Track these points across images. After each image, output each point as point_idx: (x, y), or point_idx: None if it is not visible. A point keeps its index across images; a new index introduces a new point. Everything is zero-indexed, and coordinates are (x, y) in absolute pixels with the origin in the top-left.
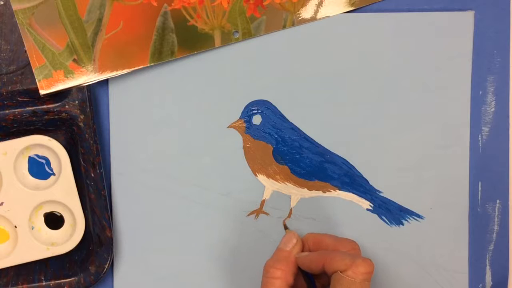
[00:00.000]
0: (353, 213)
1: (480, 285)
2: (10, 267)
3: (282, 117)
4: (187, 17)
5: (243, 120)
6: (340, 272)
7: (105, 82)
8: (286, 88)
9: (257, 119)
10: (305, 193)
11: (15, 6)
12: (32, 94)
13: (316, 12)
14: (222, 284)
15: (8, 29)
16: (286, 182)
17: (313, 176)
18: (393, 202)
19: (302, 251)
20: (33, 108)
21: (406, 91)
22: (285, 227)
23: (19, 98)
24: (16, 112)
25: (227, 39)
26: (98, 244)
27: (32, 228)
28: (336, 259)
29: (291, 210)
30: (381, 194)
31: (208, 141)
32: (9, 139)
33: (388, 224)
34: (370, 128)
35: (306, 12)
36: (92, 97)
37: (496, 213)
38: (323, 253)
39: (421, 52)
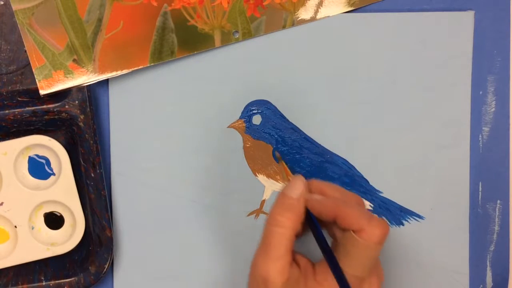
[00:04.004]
0: None
1: (481, 286)
2: (10, 267)
3: (282, 117)
4: (187, 17)
5: (243, 120)
6: (354, 231)
7: (105, 82)
8: (286, 88)
9: (257, 119)
10: None
11: (15, 6)
12: (32, 94)
13: (316, 12)
14: (222, 283)
15: (8, 29)
16: (286, 182)
17: (313, 176)
18: (393, 202)
19: None
20: (33, 108)
21: (406, 91)
22: (279, 159)
23: (19, 98)
24: (16, 112)
25: (227, 39)
26: (98, 244)
27: (32, 228)
28: (351, 216)
29: None
30: (381, 194)
31: (208, 141)
32: (9, 139)
33: (389, 225)
34: (370, 128)
35: (306, 12)
36: (92, 97)
37: (497, 214)
38: (337, 203)
39: (421, 52)
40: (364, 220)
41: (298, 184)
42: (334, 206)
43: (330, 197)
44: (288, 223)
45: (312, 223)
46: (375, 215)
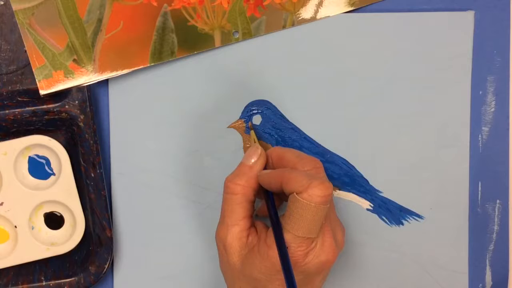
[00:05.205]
0: (353, 213)
1: (480, 285)
2: (10, 267)
3: (282, 117)
4: (187, 17)
5: (243, 120)
6: (296, 194)
7: (105, 82)
8: (286, 88)
9: (257, 119)
10: None
11: (15, 6)
12: (32, 94)
13: (316, 12)
14: (222, 284)
15: (8, 29)
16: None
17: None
18: (393, 202)
19: (266, 165)
20: (33, 108)
21: (406, 91)
22: (250, 128)
23: (19, 98)
24: (16, 112)
25: (227, 39)
26: (98, 244)
27: (32, 228)
28: (293, 180)
29: None
30: (381, 194)
31: (208, 141)
32: (9, 139)
33: (388, 224)
34: (370, 128)
35: (306, 12)
36: (92, 97)
37: (496, 213)
38: (283, 171)
39: (421, 52)
40: (305, 182)
41: (253, 152)
42: (279, 174)
43: (284, 164)
44: (238, 189)
45: (266, 193)
46: (320, 177)
